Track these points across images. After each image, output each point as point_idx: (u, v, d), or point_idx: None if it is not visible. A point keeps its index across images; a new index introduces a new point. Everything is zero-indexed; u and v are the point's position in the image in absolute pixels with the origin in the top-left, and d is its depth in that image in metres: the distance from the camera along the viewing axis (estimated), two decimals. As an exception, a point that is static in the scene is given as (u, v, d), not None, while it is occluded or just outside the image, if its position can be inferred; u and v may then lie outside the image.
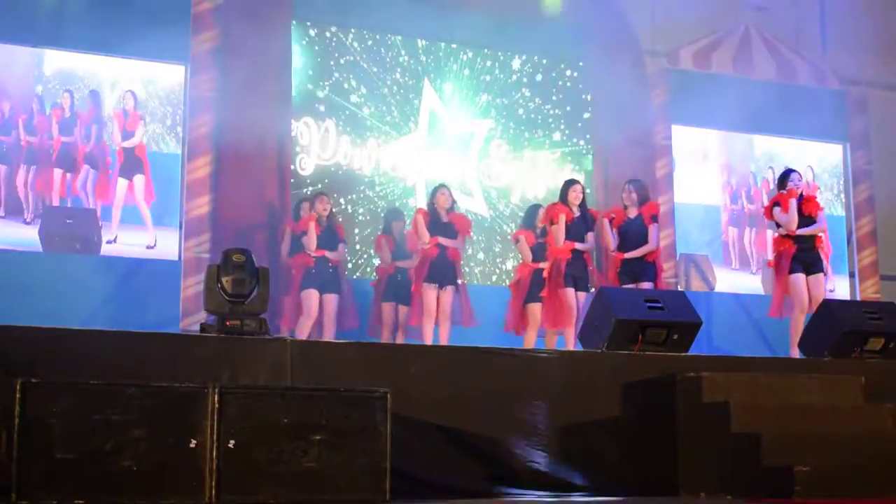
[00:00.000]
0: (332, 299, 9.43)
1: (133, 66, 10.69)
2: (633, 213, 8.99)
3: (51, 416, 4.53)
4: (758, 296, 12.85)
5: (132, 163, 10.51)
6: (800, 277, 8.53)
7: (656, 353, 6.54)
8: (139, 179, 10.51)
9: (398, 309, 9.59)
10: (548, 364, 6.21)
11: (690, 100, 12.70)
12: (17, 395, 4.50)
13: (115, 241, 10.34)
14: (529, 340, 8.96)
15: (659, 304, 6.82)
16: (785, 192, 8.71)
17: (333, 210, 9.86)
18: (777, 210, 8.68)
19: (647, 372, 6.21)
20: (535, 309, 8.97)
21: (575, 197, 8.87)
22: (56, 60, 10.42)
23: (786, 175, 8.88)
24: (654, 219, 8.96)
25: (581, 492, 5.80)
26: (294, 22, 11.12)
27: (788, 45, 13.55)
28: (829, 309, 7.31)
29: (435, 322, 8.86)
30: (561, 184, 9.27)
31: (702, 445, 5.82)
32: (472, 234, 9.69)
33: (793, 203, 8.63)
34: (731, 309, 12.28)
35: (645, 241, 8.87)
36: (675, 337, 6.69)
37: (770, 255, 9.52)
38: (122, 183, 10.46)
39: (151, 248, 10.37)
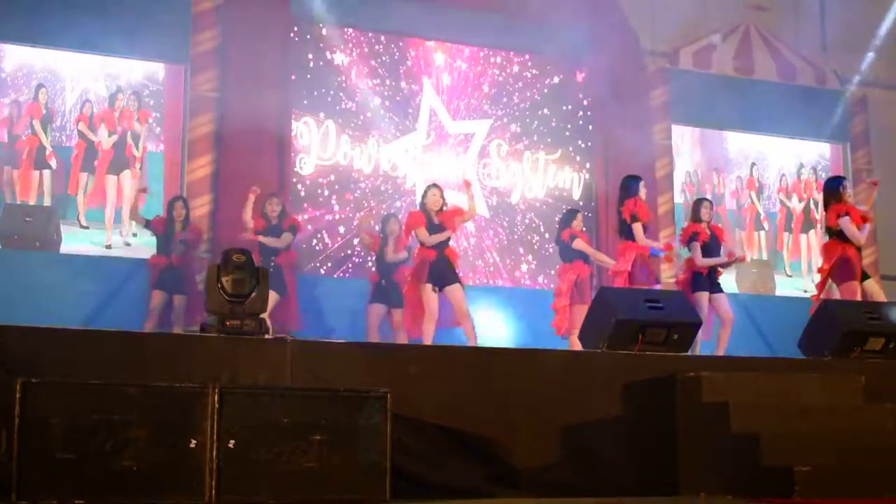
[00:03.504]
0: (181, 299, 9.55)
1: (116, 63, 10.72)
2: (707, 229, 9.23)
3: (51, 416, 4.53)
4: (760, 296, 12.87)
5: (121, 160, 10.59)
6: (864, 284, 8.54)
7: (656, 353, 6.53)
8: (126, 175, 10.56)
9: (391, 311, 9.57)
10: (548, 364, 6.21)
11: (690, 100, 12.71)
12: (17, 395, 4.50)
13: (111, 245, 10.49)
14: (574, 343, 8.88)
15: (659, 304, 6.81)
16: (844, 202, 8.70)
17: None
18: (847, 220, 8.61)
19: (647, 372, 6.21)
20: (584, 311, 8.91)
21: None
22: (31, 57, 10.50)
23: (838, 182, 8.87)
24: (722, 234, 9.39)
25: (581, 492, 5.80)
26: (293, 21, 11.12)
27: (788, 45, 13.56)
28: (829, 309, 7.30)
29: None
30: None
31: (702, 445, 5.82)
32: (457, 229, 9.33)
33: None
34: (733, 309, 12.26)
35: (718, 253, 9.21)
36: (675, 337, 6.69)
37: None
38: (111, 181, 10.54)
39: (109, 248, 10.45)
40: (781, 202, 13.64)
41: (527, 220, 12.02)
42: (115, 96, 10.65)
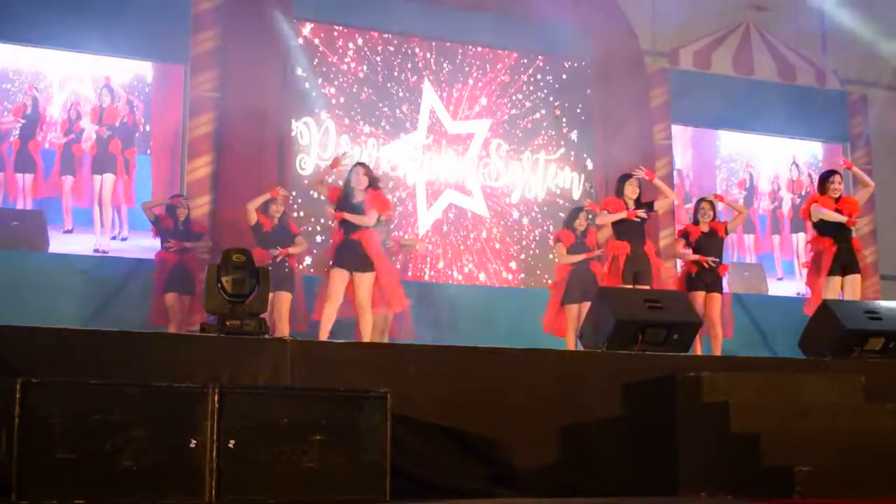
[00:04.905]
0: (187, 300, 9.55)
1: (104, 64, 10.63)
2: (705, 227, 9.20)
3: (51, 416, 4.53)
4: (760, 296, 12.87)
5: (105, 159, 10.51)
6: (836, 280, 8.43)
7: (656, 353, 6.53)
8: (109, 179, 10.48)
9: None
10: (548, 364, 6.21)
11: (690, 100, 12.71)
12: (17, 395, 4.50)
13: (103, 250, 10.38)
14: (570, 342, 8.90)
15: (659, 304, 6.82)
16: (823, 194, 8.61)
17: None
18: (817, 206, 8.52)
19: (647, 372, 6.21)
20: (573, 310, 8.94)
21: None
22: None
23: (825, 175, 8.81)
24: (726, 232, 9.27)
25: (581, 492, 5.80)
26: (294, 21, 11.12)
27: (788, 45, 13.56)
28: (829, 309, 7.30)
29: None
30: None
31: (702, 445, 5.82)
32: (388, 213, 8.60)
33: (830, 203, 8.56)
34: (733, 309, 12.26)
35: (718, 253, 9.14)
36: (675, 337, 6.69)
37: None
38: (95, 181, 10.46)
39: (98, 252, 10.34)
40: (772, 204, 13.58)
41: (526, 221, 12.02)
42: (102, 93, 10.56)
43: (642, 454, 6.02)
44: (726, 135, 13.47)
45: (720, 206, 9.59)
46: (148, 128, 10.77)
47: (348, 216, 7.89)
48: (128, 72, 10.77)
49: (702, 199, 9.49)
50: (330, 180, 8.59)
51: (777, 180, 13.64)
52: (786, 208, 13.63)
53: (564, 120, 12.29)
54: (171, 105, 10.87)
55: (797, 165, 13.74)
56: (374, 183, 8.07)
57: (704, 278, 9.06)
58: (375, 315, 8.22)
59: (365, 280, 7.90)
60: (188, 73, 10.74)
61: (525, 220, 12.02)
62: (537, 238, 12.01)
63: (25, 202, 10.26)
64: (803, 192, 13.53)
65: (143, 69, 10.84)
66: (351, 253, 7.91)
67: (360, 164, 8.25)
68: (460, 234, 11.69)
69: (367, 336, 7.93)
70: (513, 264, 11.90)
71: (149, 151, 10.75)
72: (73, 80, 10.55)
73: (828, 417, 5.82)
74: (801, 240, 13.48)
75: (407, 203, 11.48)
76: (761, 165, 13.58)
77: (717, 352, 8.99)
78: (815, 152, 13.89)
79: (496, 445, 5.84)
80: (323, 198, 8.73)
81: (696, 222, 9.26)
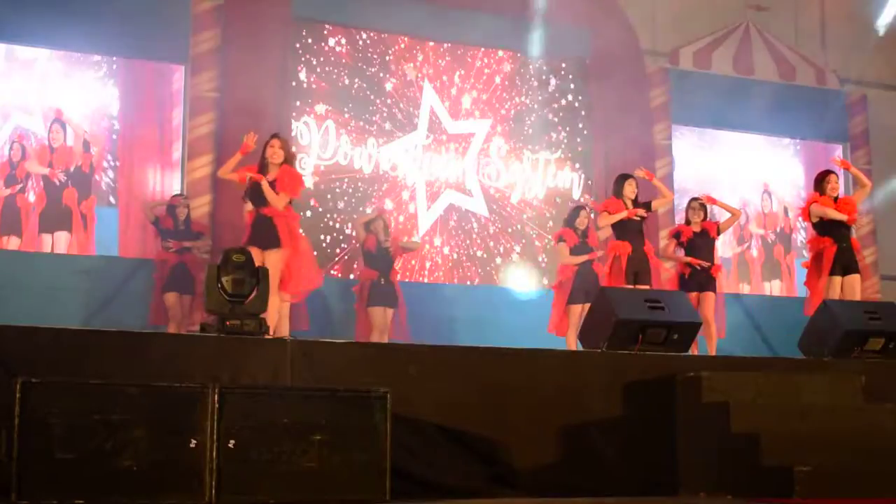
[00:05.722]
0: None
1: (58, 94, 10.08)
2: (697, 228, 9.23)
3: (51, 416, 4.53)
4: (760, 296, 12.86)
5: (57, 213, 9.85)
6: (836, 280, 8.39)
7: (656, 353, 6.54)
8: (63, 238, 9.90)
9: (386, 312, 9.61)
10: (548, 364, 6.21)
11: (690, 100, 12.71)
12: (17, 395, 4.50)
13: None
14: (571, 342, 8.91)
15: (659, 304, 6.82)
16: (822, 194, 8.60)
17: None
18: (816, 206, 8.52)
19: (647, 372, 6.21)
20: (576, 311, 8.95)
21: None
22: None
23: (823, 175, 8.79)
24: (718, 232, 9.32)
25: (581, 492, 5.80)
26: (294, 21, 11.11)
27: (788, 45, 13.56)
28: (829, 309, 7.31)
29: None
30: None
31: (702, 445, 5.83)
32: (301, 190, 8.00)
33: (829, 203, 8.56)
34: (732, 309, 12.26)
35: (711, 253, 9.16)
36: (675, 337, 6.69)
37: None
38: (46, 241, 9.66)
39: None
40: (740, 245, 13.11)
41: (526, 221, 12.01)
42: (53, 129, 9.85)
43: (642, 454, 6.02)
44: (683, 160, 12.82)
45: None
46: (115, 162, 10.31)
47: (263, 188, 7.42)
48: (84, 103, 10.17)
49: (693, 199, 9.50)
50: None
51: (744, 208, 12.66)
52: (755, 250, 13.16)
53: (581, 110, 12.28)
54: (143, 142, 10.42)
55: (769, 194, 13.30)
56: (290, 159, 7.63)
57: (697, 278, 9.09)
58: (291, 300, 7.79)
59: (271, 257, 7.29)
60: (188, 73, 10.72)
61: (525, 221, 12.01)
62: (538, 239, 12.01)
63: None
64: (777, 229, 13.26)
65: (106, 99, 10.36)
66: (260, 229, 7.48)
67: (275, 136, 7.71)
68: (460, 235, 11.69)
69: (272, 321, 6.92)
70: (512, 265, 11.89)
71: (185, 151, 10.49)
72: (18, 112, 9.84)
73: (828, 417, 5.82)
74: (774, 289, 13.01)
75: (407, 204, 11.47)
76: (727, 196, 11.80)
77: (712, 352, 9.00)
78: (797, 181, 13.48)
79: (496, 445, 5.84)
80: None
81: (687, 222, 9.29)
